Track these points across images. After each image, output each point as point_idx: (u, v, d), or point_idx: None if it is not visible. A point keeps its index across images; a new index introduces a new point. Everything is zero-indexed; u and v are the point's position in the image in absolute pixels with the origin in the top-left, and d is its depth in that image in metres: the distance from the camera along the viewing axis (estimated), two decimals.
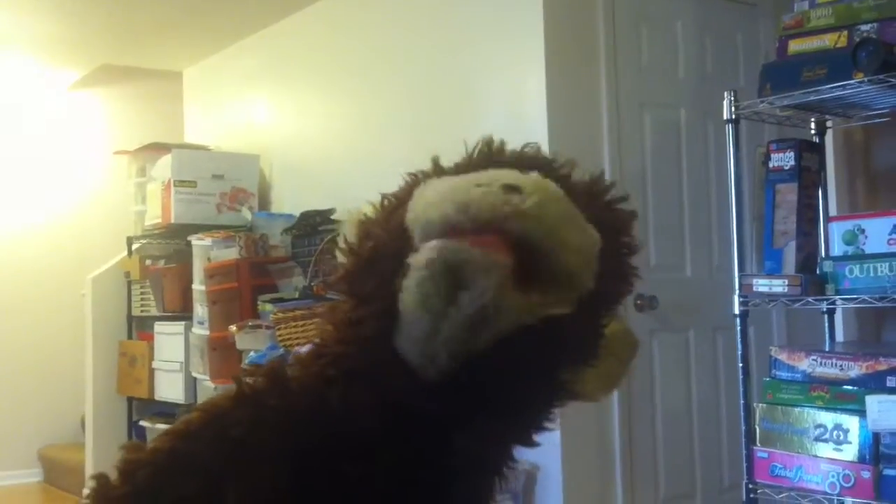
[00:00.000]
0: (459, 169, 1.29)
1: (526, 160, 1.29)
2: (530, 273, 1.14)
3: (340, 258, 1.27)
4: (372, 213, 1.29)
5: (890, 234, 2.79)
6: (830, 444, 2.72)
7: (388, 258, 1.17)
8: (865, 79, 2.75)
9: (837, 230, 2.93)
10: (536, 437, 1.26)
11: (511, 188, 1.15)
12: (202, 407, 1.27)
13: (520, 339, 1.12)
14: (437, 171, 1.32)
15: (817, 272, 2.96)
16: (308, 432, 1.18)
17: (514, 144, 1.34)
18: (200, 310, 5.20)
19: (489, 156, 1.30)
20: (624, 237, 1.28)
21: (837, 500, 2.72)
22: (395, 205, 1.26)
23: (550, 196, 1.18)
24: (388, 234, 1.20)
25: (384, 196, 1.31)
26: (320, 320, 1.31)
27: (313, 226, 4.93)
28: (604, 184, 1.30)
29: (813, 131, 3.28)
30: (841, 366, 2.74)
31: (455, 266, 1.09)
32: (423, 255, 1.11)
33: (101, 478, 1.24)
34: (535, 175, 1.20)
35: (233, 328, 4.65)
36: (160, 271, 5.76)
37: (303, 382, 1.22)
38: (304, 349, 1.30)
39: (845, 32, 2.86)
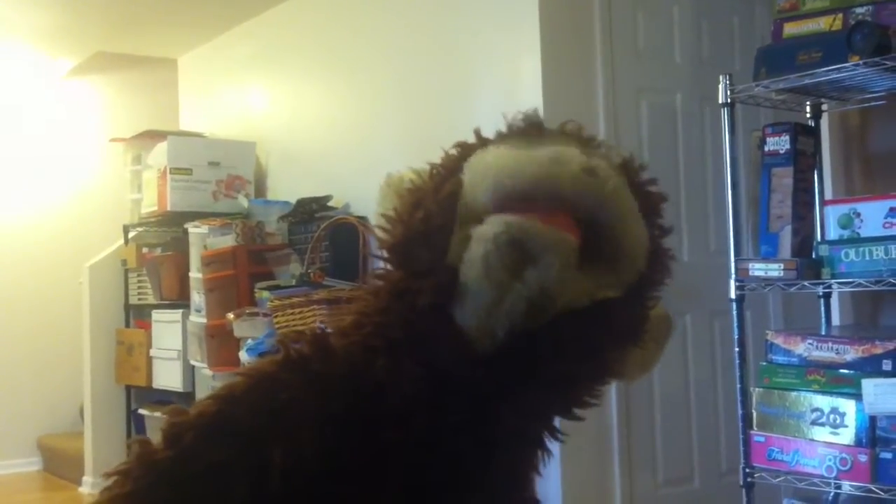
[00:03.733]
0: (503, 142, 1.29)
1: (566, 137, 1.30)
2: (590, 255, 1.16)
3: (386, 227, 1.27)
4: (416, 180, 1.30)
5: (885, 217, 2.79)
6: (827, 427, 2.73)
7: (441, 230, 1.18)
8: (861, 62, 2.75)
9: (833, 214, 2.93)
10: (580, 413, 1.27)
11: (590, 171, 1.17)
12: (246, 371, 1.29)
13: (573, 318, 1.15)
14: (482, 142, 1.31)
15: (813, 256, 2.96)
16: (352, 398, 1.19)
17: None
18: (197, 298, 5.20)
19: (530, 130, 1.31)
20: (657, 219, 1.30)
21: (834, 483, 2.72)
22: (444, 175, 1.26)
23: (622, 184, 1.20)
24: (439, 205, 1.20)
25: (433, 166, 1.31)
26: (363, 291, 1.35)
27: (310, 213, 4.93)
28: (637, 165, 1.31)
29: (808, 115, 3.28)
30: (837, 349, 2.74)
31: (524, 241, 1.10)
32: (491, 227, 1.12)
33: (143, 443, 1.25)
34: (604, 161, 1.21)
35: (230, 316, 4.65)
36: (157, 259, 5.76)
37: (347, 350, 1.24)
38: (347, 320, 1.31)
39: (840, 15, 2.86)
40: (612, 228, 1.18)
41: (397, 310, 1.21)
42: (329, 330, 1.32)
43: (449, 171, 1.26)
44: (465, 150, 1.30)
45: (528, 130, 1.30)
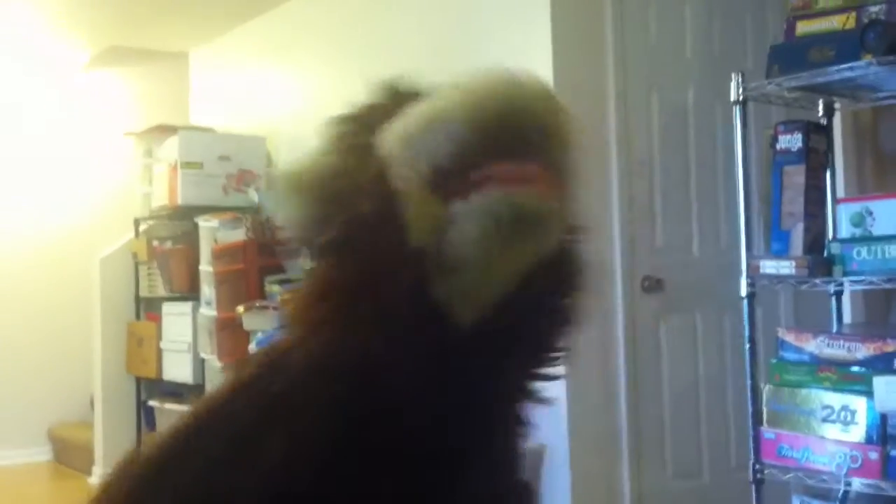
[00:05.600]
0: (386, 108, 1.21)
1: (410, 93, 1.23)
2: None
3: (308, 228, 1.19)
4: (319, 167, 1.22)
5: None
6: (838, 425, 2.73)
7: (395, 214, 1.09)
8: (874, 60, 2.75)
9: (845, 212, 2.94)
10: (552, 371, 1.23)
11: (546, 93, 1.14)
12: (205, 399, 1.23)
13: (540, 271, 1.10)
14: (360, 116, 1.25)
15: (825, 254, 2.96)
16: (349, 382, 1.13)
17: None
18: (208, 291, 5.22)
19: (398, 95, 1.24)
20: None
21: (844, 480, 2.73)
22: (358, 152, 1.17)
23: (559, 116, 1.15)
24: (382, 188, 1.10)
25: (327, 149, 1.24)
26: (295, 304, 1.23)
27: None
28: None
29: (821, 113, 3.28)
30: (848, 347, 2.75)
31: (524, 215, 1.06)
32: (488, 204, 1.06)
33: (128, 453, 1.21)
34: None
35: (240, 309, 4.67)
36: (167, 252, 5.77)
37: (297, 364, 1.16)
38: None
39: (853, 13, 2.86)
40: (565, 164, 1.14)
41: (361, 307, 1.13)
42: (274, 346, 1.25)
43: (357, 145, 1.19)
44: (355, 121, 1.25)
45: (407, 93, 1.23)
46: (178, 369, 5.56)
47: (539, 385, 1.23)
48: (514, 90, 1.13)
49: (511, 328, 1.13)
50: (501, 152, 1.08)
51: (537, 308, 1.15)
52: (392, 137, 1.11)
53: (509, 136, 1.08)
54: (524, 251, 1.07)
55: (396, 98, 1.23)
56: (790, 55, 2.99)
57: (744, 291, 3.05)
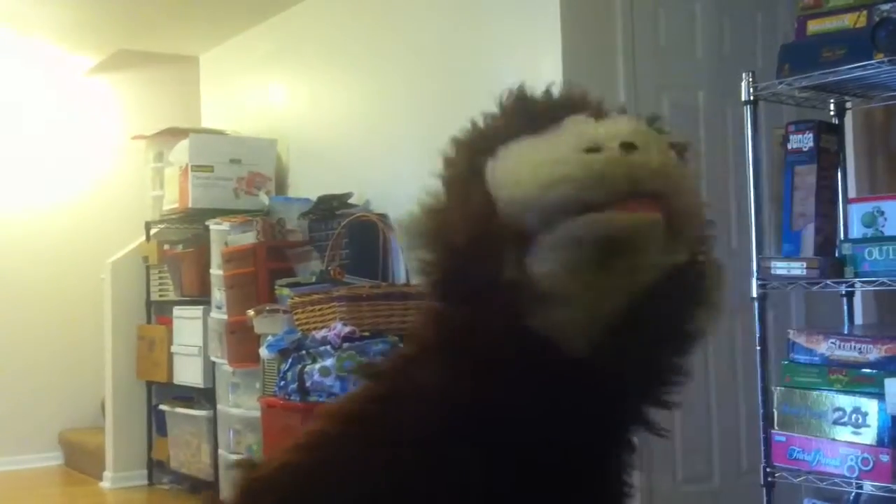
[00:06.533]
0: (500, 128, 1.21)
1: (561, 102, 1.24)
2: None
3: (427, 269, 1.19)
4: (430, 207, 1.20)
5: None
6: (849, 427, 2.71)
7: (491, 249, 1.09)
8: (885, 59, 2.73)
9: (857, 212, 2.91)
10: (672, 397, 1.23)
11: (628, 146, 1.09)
12: (329, 414, 1.20)
13: (652, 295, 1.09)
14: (479, 133, 1.24)
15: (836, 255, 2.93)
16: (447, 436, 1.12)
17: None
18: (218, 294, 5.22)
19: (524, 106, 1.25)
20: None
21: (856, 483, 2.70)
22: (461, 187, 1.17)
23: (662, 148, 1.14)
24: (477, 223, 1.11)
25: (441, 180, 1.22)
26: (417, 320, 1.25)
27: (330, 210, 4.93)
28: (656, 121, 1.25)
29: (832, 112, 3.25)
30: (860, 349, 2.72)
31: (609, 235, 1.05)
32: (569, 231, 1.05)
33: (212, 500, 1.16)
34: (625, 121, 1.15)
35: (250, 312, 4.66)
36: (178, 256, 5.78)
37: (432, 386, 1.15)
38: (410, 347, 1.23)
39: (865, 12, 2.83)
40: (672, 195, 1.12)
41: (464, 341, 1.13)
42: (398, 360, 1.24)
43: (461, 179, 1.18)
44: (466, 147, 1.23)
45: (526, 107, 1.24)
46: (188, 373, 5.56)
47: (656, 412, 1.22)
48: (630, 161, 1.09)
49: (624, 355, 1.11)
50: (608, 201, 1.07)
51: (654, 333, 1.13)
52: (496, 178, 1.11)
53: (618, 193, 1.08)
54: (622, 272, 1.05)
55: (509, 118, 1.23)
56: (801, 54, 2.97)
57: (755, 293, 3.02)
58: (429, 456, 1.11)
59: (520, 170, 1.10)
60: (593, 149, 1.09)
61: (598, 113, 1.20)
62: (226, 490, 1.15)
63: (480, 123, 1.26)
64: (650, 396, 1.20)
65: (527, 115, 1.20)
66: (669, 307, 1.13)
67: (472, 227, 1.12)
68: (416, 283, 1.24)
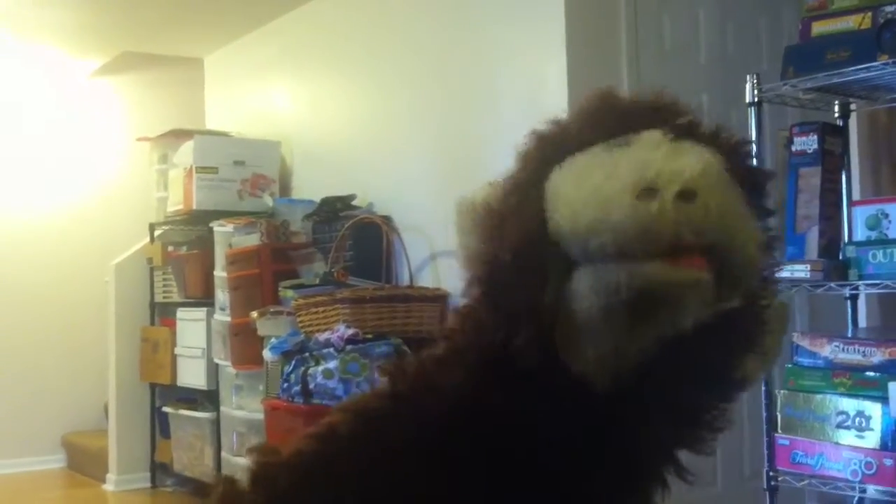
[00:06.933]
0: (577, 132, 1.15)
1: (646, 108, 1.18)
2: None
3: (470, 262, 1.17)
4: (488, 201, 1.17)
5: None
6: (852, 431, 2.69)
7: (533, 268, 1.06)
8: (890, 60, 2.72)
9: (861, 215, 2.90)
10: (708, 442, 1.18)
11: (686, 195, 1.03)
12: (347, 407, 1.19)
13: (695, 337, 1.04)
14: (559, 128, 1.19)
15: (840, 257, 2.92)
16: (465, 436, 1.10)
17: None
18: (222, 296, 5.21)
19: (605, 109, 1.19)
20: (762, 201, 1.20)
21: (859, 487, 2.69)
22: (521, 194, 1.12)
23: (725, 193, 1.07)
24: (524, 237, 1.07)
25: (506, 179, 1.17)
26: (451, 320, 1.22)
27: (334, 212, 4.93)
28: (736, 142, 1.20)
29: (836, 114, 3.24)
30: (863, 352, 2.71)
31: (652, 290, 1.01)
32: (611, 277, 1.01)
33: (229, 483, 1.16)
34: (693, 159, 1.07)
35: (254, 314, 4.66)
36: (182, 257, 5.78)
37: (452, 385, 1.13)
38: (439, 349, 1.20)
39: (869, 14, 2.82)
40: (725, 247, 1.06)
41: (494, 348, 1.10)
42: (424, 361, 1.21)
43: (525, 184, 1.13)
44: (539, 147, 1.17)
45: (606, 109, 1.18)
46: (192, 375, 5.55)
47: (686, 454, 1.17)
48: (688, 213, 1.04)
49: (654, 397, 1.08)
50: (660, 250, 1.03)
51: (689, 377, 1.09)
52: (553, 195, 1.07)
53: (666, 248, 1.03)
54: (658, 323, 1.02)
55: (584, 120, 1.17)
56: (805, 56, 2.96)
57: None
58: (436, 462, 1.10)
59: (570, 198, 1.06)
60: (648, 191, 1.03)
61: (678, 130, 1.13)
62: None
63: (559, 121, 1.20)
64: (681, 440, 1.17)
65: (604, 118, 1.15)
66: (710, 353, 1.09)
67: (520, 240, 1.08)
68: (464, 270, 1.19)
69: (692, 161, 1.07)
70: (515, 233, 1.09)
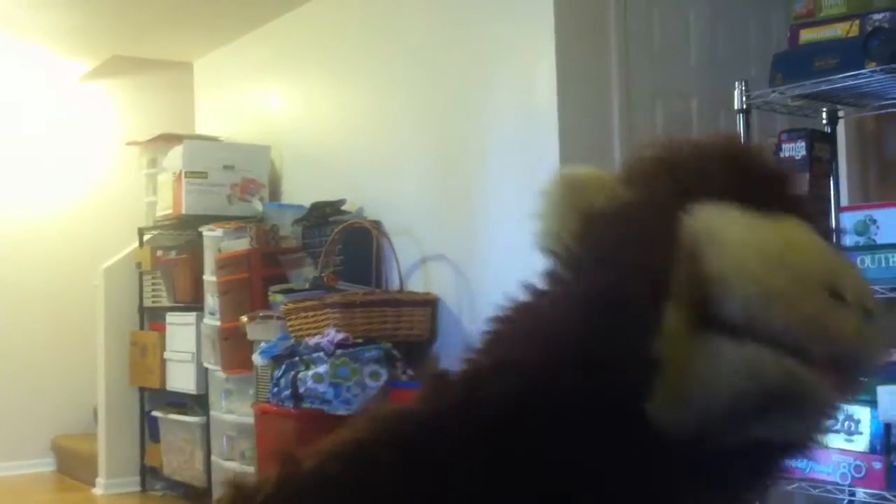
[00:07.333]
0: (718, 174, 1.03)
1: (769, 173, 1.08)
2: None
3: (562, 261, 1.04)
4: (610, 197, 1.04)
5: None
6: (842, 434, 2.71)
7: (654, 296, 0.94)
8: (877, 68, 2.74)
9: (849, 220, 2.92)
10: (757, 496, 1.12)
11: (870, 315, 0.97)
12: (380, 424, 1.07)
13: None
14: (681, 167, 1.05)
15: None
16: (518, 472, 1.00)
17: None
18: (211, 300, 5.21)
19: (738, 164, 1.07)
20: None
21: (849, 490, 2.71)
22: (661, 216, 0.99)
23: (874, 298, 1.02)
24: (661, 259, 0.95)
25: (635, 191, 1.04)
26: (497, 327, 1.08)
27: (324, 216, 4.93)
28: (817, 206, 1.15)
29: (824, 121, 3.26)
30: None
31: (790, 390, 0.94)
32: (762, 362, 0.93)
33: (238, 486, 1.09)
34: (861, 276, 1.03)
35: (244, 319, 4.66)
36: (171, 262, 5.77)
37: (489, 415, 1.01)
38: (481, 366, 1.07)
39: (857, 21, 2.84)
40: (859, 372, 1.01)
41: (565, 374, 0.98)
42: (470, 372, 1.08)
43: (662, 203, 1.01)
44: (668, 168, 1.06)
45: (738, 165, 1.06)
46: (181, 379, 5.55)
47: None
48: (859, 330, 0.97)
49: (722, 459, 1.01)
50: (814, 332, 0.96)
51: (759, 449, 1.02)
52: (703, 228, 0.96)
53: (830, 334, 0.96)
54: (773, 425, 0.96)
55: (719, 161, 1.05)
56: (794, 63, 2.98)
57: None
58: (479, 498, 1.01)
59: (745, 254, 0.96)
60: (837, 295, 0.96)
61: (812, 219, 1.06)
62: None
63: (677, 150, 1.08)
64: (738, 498, 1.11)
65: (738, 174, 1.04)
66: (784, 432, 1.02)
67: (654, 267, 0.96)
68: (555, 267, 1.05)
69: (859, 274, 1.04)
70: (655, 255, 0.97)
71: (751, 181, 1.04)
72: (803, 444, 1.05)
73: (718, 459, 1.00)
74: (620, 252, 0.99)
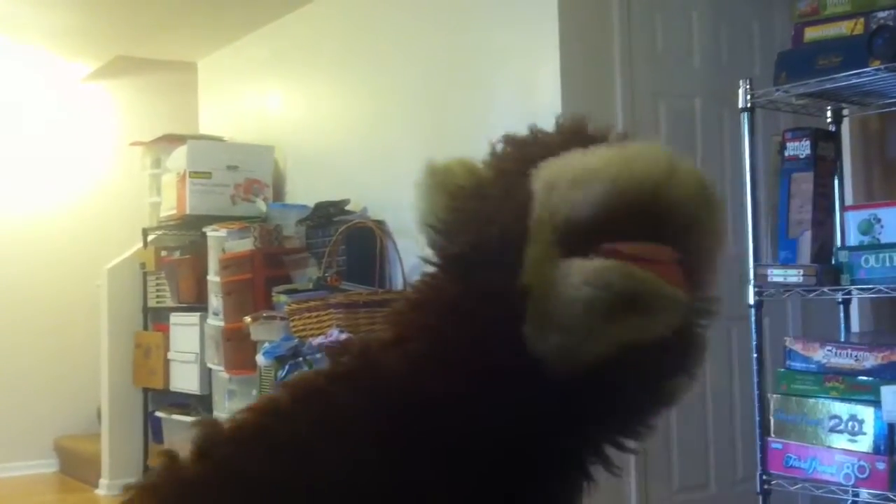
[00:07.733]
0: (550, 144, 1.19)
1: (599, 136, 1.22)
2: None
3: (439, 233, 1.19)
4: (468, 177, 1.21)
5: None
6: (845, 435, 2.70)
7: (517, 248, 1.08)
8: (882, 66, 2.73)
9: (853, 219, 2.91)
10: (631, 443, 1.20)
11: (704, 186, 1.13)
12: (291, 384, 1.20)
13: (649, 350, 1.07)
14: (536, 138, 1.23)
15: (832, 262, 2.93)
16: (407, 415, 1.11)
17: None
18: (215, 301, 5.21)
19: (574, 131, 1.22)
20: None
21: (852, 491, 2.70)
22: (511, 177, 1.15)
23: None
24: (516, 218, 1.09)
25: (489, 161, 1.22)
26: (401, 303, 1.21)
27: (327, 216, 4.93)
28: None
29: (829, 120, 3.25)
30: (856, 356, 2.72)
31: (638, 294, 1.03)
32: (605, 273, 1.03)
33: (169, 454, 1.16)
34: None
35: (247, 319, 4.66)
36: (175, 262, 5.77)
37: (396, 365, 1.13)
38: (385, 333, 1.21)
39: (861, 20, 2.83)
40: (708, 255, 1.13)
41: (454, 328, 1.12)
42: (371, 341, 1.21)
43: (512, 172, 1.15)
44: (520, 148, 1.21)
45: (583, 133, 1.21)
46: (185, 380, 5.55)
47: (614, 452, 1.20)
48: (670, 174, 1.11)
49: (603, 394, 1.11)
50: (640, 230, 1.07)
51: (637, 383, 1.12)
52: (541, 178, 1.10)
53: (653, 218, 1.07)
54: (629, 328, 1.04)
55: (565, 136, 1.21)
56: (798, 62, 2.97)
57: (751, 300, 3.02)
58: (372, 440, 1.10)
59: (559, 168, 1.10)
60: (671, 172, 1.11)
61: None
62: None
63: (535, 133, 1.24)
64: (611, 439, 1.19)
65: (583, 141, 1.18)
66: (657, 366, 1.13)
67: (507, 219, 1.10)
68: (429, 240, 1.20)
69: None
70: (506, 214, 1.11)
71: (581, 141, 1.16)
72: (675, 356, 1.13)
73: (602, 384, 1.09)
74: (483, 212, 1.14)
